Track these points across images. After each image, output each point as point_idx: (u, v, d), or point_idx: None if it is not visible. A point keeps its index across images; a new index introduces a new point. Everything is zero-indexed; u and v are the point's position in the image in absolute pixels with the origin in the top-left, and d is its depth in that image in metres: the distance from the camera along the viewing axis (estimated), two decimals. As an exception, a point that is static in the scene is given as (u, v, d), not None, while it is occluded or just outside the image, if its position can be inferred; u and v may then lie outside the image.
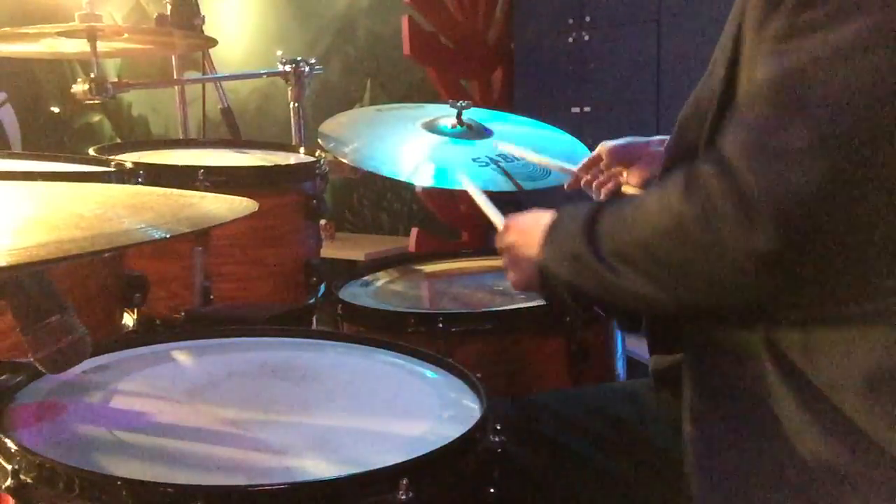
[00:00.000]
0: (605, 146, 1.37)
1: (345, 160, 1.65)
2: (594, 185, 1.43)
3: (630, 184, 1.36)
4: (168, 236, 0.78)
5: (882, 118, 0.73)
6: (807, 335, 0.83)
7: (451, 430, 0.89)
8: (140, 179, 1.54)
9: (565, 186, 1.52)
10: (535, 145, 1.66)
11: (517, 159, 1.60)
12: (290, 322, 1.66)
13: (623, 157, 1.35)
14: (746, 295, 0.81)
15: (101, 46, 1.89)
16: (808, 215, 0.74)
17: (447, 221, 3.65)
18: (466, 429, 0.88)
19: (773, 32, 0.79)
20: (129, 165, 1.58)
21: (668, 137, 1.17)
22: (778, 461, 0.85)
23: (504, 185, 1.54)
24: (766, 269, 0.76)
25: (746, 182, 0.75)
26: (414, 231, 3.56)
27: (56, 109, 5.12)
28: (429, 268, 1.80)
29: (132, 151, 1.87)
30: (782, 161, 0.74)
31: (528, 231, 1.04)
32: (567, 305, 1.00)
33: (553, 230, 0.97)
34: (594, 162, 1.41)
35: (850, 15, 0.74)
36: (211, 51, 2.60)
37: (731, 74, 0.87)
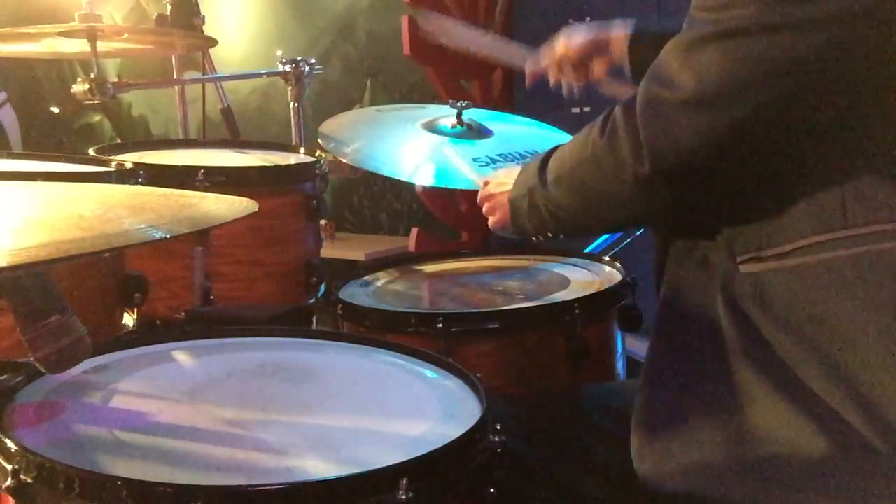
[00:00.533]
0: (571, 43, 1.43)
1: (345, 160, 1.65)
2: (565, 83, 1.48)
3: (600, 75, 1.43)
4: (168, 237, 0.78)
5: (755, 91, 0.88)
6: (757, 285, 0.93)
7: (451, 430, 0.89)
8: (140, 179, 1.54)
9: (526, 84, 1.55)
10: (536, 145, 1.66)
11: (517, 158, 1.60)
12: (290, 322, 1.65)
13: (593, 51, 1.42)
14: (636, 209, 1.01)
15: (101, 46, 1.89)
16: (677, 155, 0.92)
17: (447, 221, 3.64)
18: (466, 429, 0.88)
19: (690, 10, 0.94)
20: (129, 165, 1.58)
21: (625, 21, 1.38)
22: (718, 407, 0.93)
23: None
24: (645, 189, 0.96)
25: (639, 123, 0.94)
26: (414, 231, 3.55)
27: (56, 110, 5.12)
28: (429, 268, 1.80)
29: (132, 151, 1.87)
30: (664, 111, 0.92)
31: (505, 179, 1.25)
32: (531, 235, 1.18)
33: (521, 173, 1.17)
34: (562, 60, 1.46)
35: (737, 3, 0.87)
36: (211, 51, 2.60)
37: None
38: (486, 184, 1.33)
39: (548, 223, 1.12)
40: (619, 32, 1.36)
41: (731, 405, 0.93)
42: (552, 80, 1.48)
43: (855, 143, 0.89)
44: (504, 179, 1.25)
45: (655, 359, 1.04)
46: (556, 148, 1.11)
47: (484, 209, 1.32)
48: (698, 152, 0.92)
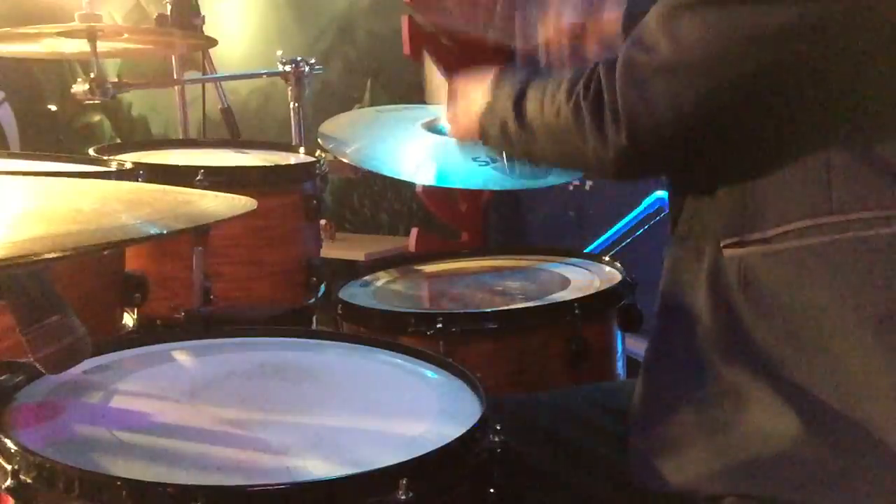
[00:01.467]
0: (561, 24, 1.34)
1: (345, 160, 1.64)
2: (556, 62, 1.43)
3: (594, 56, 1.33)
4: (165, 232, 0.77)
5: (731, 61, 0.88)
6: (741, 271, 0.93)
7: (451, 430, 0.89)
8: (140, 179, 1.54)
9: (519, 65, 1.47)
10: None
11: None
12: (290, 322, 1.66)
13: (584, 31, 1.36)
14: (610, 172, 1.01)
15: (101, 46, 1.88)
16: (653, 124, 0.92)
17: (447, 221, 3.64)
18: (466, 429, 0.88)
19: None
20: (128, 165, 1.58)
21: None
22: (707, 406, 0.94)
23: (503, 183, 1.54)
24: (621, 158, 0.96)
25: (617, 88, 0.94)
26: (414, 231, 3.55)
27: (53, 108, 5.12)
28: (429, 268, 1.80)
29: (132, 151, 1.87)
30: (640, 75, 0.92)
31: (472, 90, 1.23)
32: (498, 155, 1.21)
33: (493, 96, 1.16)
34: (551, 41, 1.38)
35: None
36: (211, 51, 2.60)
37: None
38: (454, 83, 1.33)
39: (518, 154, 1.16)
40: (612, 12, 1.35)
41: (721, 403, 0.93)
42: (542, 61, 1.46)
43: (839, 126, 0.89)
44: (473, 89, 1.23)
45: (650, 355, 1.04)
46: (531, 79, 1.10)
47: (447, 113, 1.32)
48: (673, 123, 0.91)
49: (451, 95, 1.30)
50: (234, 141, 2.25)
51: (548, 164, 1.14)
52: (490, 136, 1.15)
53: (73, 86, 1.91)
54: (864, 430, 0.85)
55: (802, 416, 0.87)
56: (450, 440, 0.86)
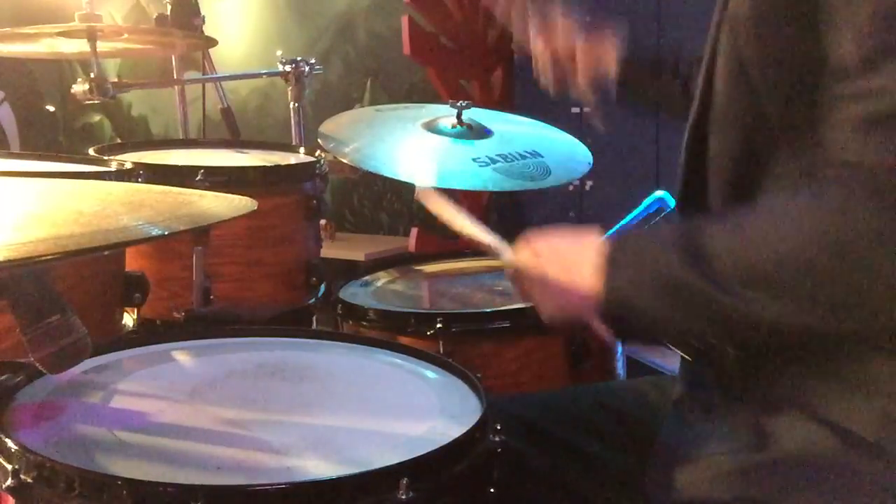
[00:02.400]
0: (560, 41, 1.28)
1: (345, 160, 1.64)
2: (542, 75, 1.33)
3: (581, 80, 1.32)
4: (166, 233, 0.78)
5: None
6: None
7: (451, 430, 0.90)
8: (140, 180, 1.54)
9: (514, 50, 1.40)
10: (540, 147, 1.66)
11: (517, 158, 1.60)
12: (290, 322, 1.65)
13: (580, 55, 1.30)
14: None
15: (101, 46, 1.88)
16: None
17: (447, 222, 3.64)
18: (466, 429, 0.88)
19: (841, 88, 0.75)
20: (128, 165, 1.58)
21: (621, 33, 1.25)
22: (729, 438, 0.91)
23: (503, 184, 1.54)
24: None
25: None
26: (414, 231, 3.55)
27: (51, 108, 5.12)
28: (429, 268, 1.80)
29: (132, 151, 1.87)
30: None
31: (567, 252, 0.92)
32: (637, 338, 1.00)
33: (621, 252, 0.86)
34: (546, 52, 1.31)
35: None
36: (211, 51, 2.60)
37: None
38: (526, 246, 1.01)
39: (692, 332, 0.82)
40: (612, 48, 1.29)
41: (746, 436, 0.91)
42: (534, 66, 1.37)
43: None
44: (567, 250, 0.93)
45: (679, 393, 1.03)
46: (701, 224, 0.83)
47: (520, 284, 1.01)
48: None
49: (532, 264, 0.98)
50: (234, 141, 2.24)
51: (759, 329, 0.78)
52: (631, 306, 0.84)
53: (73, 86, 1.91)
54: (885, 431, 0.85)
55: (819, 428, 0.87)
56: (450, 440, 0.86)
